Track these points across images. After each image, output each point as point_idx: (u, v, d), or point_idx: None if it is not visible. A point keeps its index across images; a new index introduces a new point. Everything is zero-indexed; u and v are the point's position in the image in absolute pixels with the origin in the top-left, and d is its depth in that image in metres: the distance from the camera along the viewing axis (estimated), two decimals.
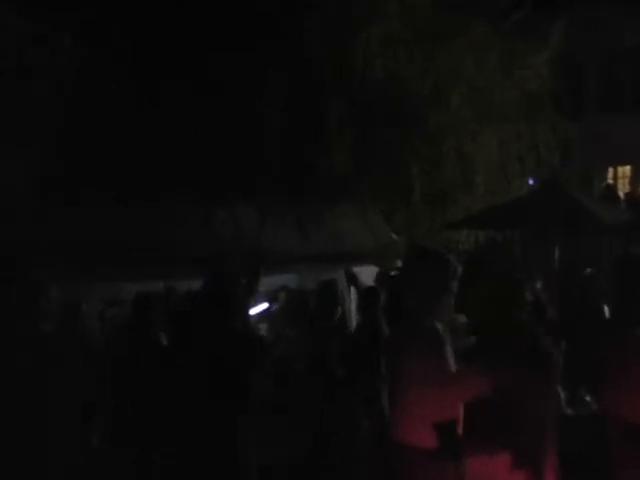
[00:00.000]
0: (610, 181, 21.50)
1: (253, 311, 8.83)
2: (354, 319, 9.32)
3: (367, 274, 10.10)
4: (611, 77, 21.36)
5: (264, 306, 9.67)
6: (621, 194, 17.44)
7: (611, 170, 22.39)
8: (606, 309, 7.01)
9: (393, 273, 9.52)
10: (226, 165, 9.43)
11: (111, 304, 9.00)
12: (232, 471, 4.94)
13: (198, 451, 4.86)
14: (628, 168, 22.33)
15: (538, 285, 7.91)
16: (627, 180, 22.21)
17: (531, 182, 14.32)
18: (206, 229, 9.32)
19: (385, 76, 11.95)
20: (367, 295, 7.53)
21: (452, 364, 4.03)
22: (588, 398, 5.68)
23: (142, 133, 8.93)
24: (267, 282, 9.99)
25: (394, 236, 11.83)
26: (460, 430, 4.02)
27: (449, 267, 4.12)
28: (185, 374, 5.00)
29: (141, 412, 6.25)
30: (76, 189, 8.38)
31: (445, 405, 3.95)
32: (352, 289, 9.95)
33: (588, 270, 8.10)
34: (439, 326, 4.08)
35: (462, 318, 5.49)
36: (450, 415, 3.97)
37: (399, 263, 11.24)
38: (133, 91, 9.03)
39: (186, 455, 4.89)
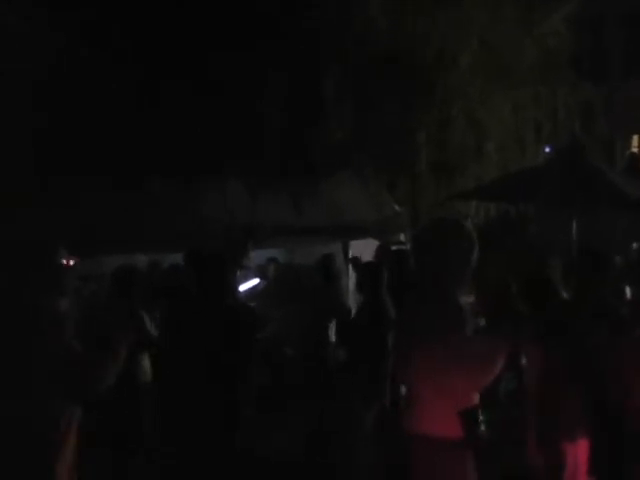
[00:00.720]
0: (634, 149, 21.57)
1: (242, 288, 8.94)
2: (352, 298, 9.38)
3: (367, 248, 10.18)
4: (636, 39, 21.35)
5: (254, 282, 9.79)
6: None
7: (636, 138, 22.44)
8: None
9: (395, 247, 9.57)
10: (224, 153, 9.70)
11: (86, 279, 9.07)
12: (231, 469, 5.03)
13: (196, 448, 4.95)
14: None
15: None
16: None
17: (548, 150, 14.36)
18: (195, 208, 9.48)
19: (388, 31, 11.94)
20: (368, 272, 7.40)
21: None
22: None
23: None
24: (256, 256, 10.10)
25: (397, 208, 11.86)
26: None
27: (472, 238, 4.18)
28: (179, 367, 5.07)
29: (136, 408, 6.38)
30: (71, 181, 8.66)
31: (472, 388, 4.00)
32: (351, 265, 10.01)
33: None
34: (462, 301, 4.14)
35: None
36: (474, 400, 4.02)
37: (402, 237, 11.32)
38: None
39: (184, 453, 4.98)
